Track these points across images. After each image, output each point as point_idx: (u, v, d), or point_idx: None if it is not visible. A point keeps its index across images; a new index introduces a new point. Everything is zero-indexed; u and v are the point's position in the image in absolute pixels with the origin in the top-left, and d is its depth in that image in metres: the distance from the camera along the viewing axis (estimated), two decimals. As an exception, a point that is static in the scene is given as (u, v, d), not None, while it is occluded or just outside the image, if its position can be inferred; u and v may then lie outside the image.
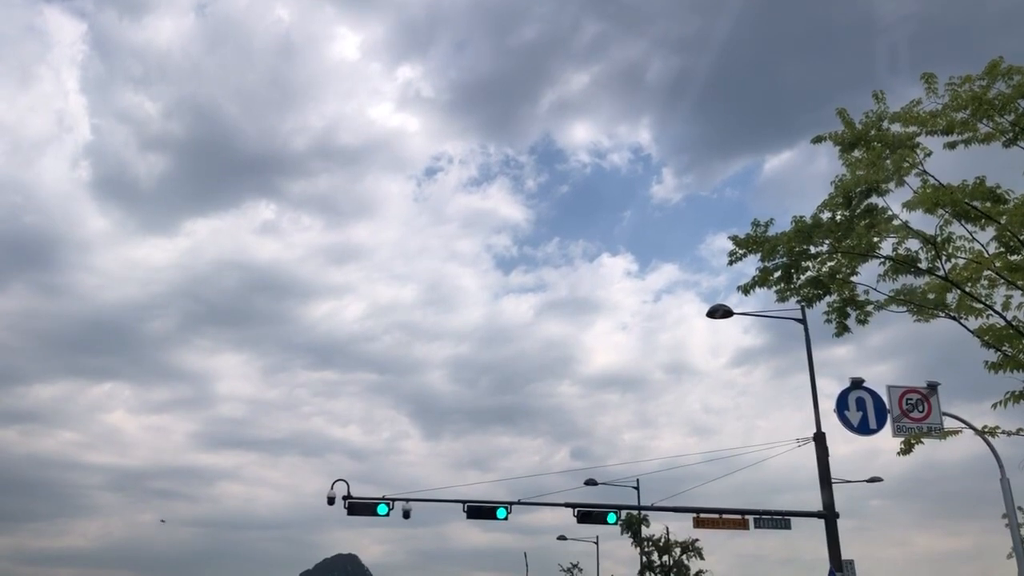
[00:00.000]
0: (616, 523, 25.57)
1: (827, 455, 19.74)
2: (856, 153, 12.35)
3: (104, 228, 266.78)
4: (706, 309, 21.46)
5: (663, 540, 42.52)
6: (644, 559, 41.97)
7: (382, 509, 23.86)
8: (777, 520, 21.70)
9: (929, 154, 11.86)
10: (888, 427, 15.17)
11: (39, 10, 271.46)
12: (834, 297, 13.23)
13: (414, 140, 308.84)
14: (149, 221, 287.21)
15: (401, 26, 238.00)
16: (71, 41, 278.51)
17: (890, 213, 12.11)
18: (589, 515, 24.06)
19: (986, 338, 11.65)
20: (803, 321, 20.71)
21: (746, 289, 13.59)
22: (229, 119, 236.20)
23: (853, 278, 12.96)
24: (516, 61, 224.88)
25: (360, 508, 24.09)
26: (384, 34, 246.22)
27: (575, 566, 51.54)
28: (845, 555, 19.73)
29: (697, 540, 42.67)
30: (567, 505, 23.68)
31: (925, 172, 11.79)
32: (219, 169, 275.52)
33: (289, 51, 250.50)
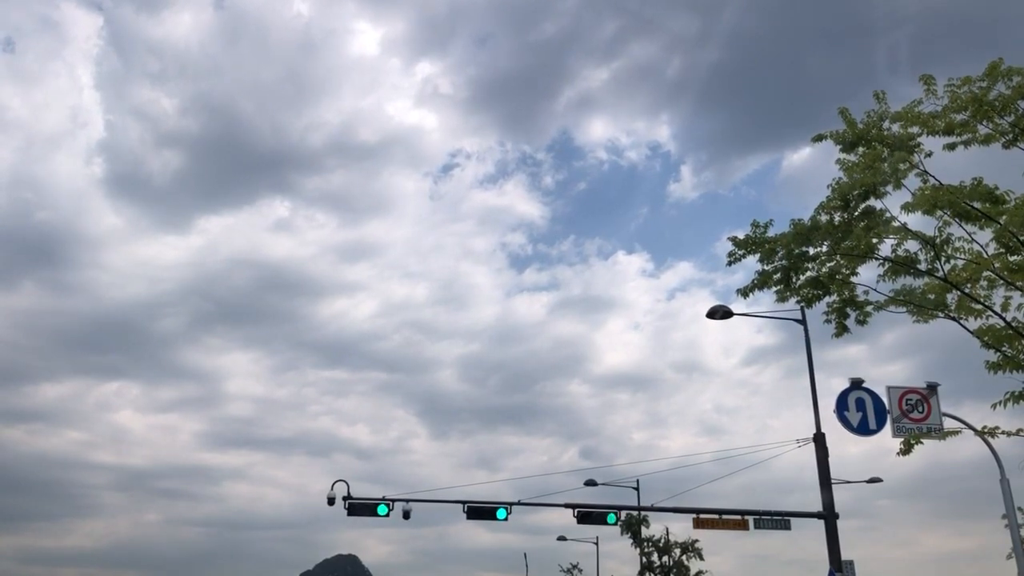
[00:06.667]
0: (616, 524, 25.56)
1: (827, 456, 19.73)
2: (853, 156, 12.35)
3: (116, 225, 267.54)
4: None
5: (663, 541, 42.53)
6: (644, 560, 41.98)
7: (382, 509, 23.86)
8: (777, 521, 21.71)
9: (929, 155, 11.86)
10: (888, 427, 15.20)
11: (55, 4, 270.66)
12: (834, 298, 13.22)
13: (431, 137, 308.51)
14: (162, 218, 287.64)
15: (422, 22, 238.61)
16: (87, 36, 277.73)
17: (888, 215, 12.11)
18: (589, 516, 24.04)
19: (986, 339, 11.64)
20: (803, 322, 20.72)
21: (745, 292, 13.56)
22: (245, 115, 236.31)
23: (853, 278, 12.95)
24: (535, 57, 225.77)
25: (360, 509, 24.09)
26: (404, 30, 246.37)
27: (575, 567, 51.54)
28: (851, 555, 19.79)
29: (697, 541, 42.74)
30: (567, 506, 23.67)
31: (925, 173, 11.79)
32: (234, 166, 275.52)
33: (308, 47, 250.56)
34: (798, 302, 13.85)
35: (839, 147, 12.63)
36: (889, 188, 11.87)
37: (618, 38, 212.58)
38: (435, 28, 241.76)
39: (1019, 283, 11.27)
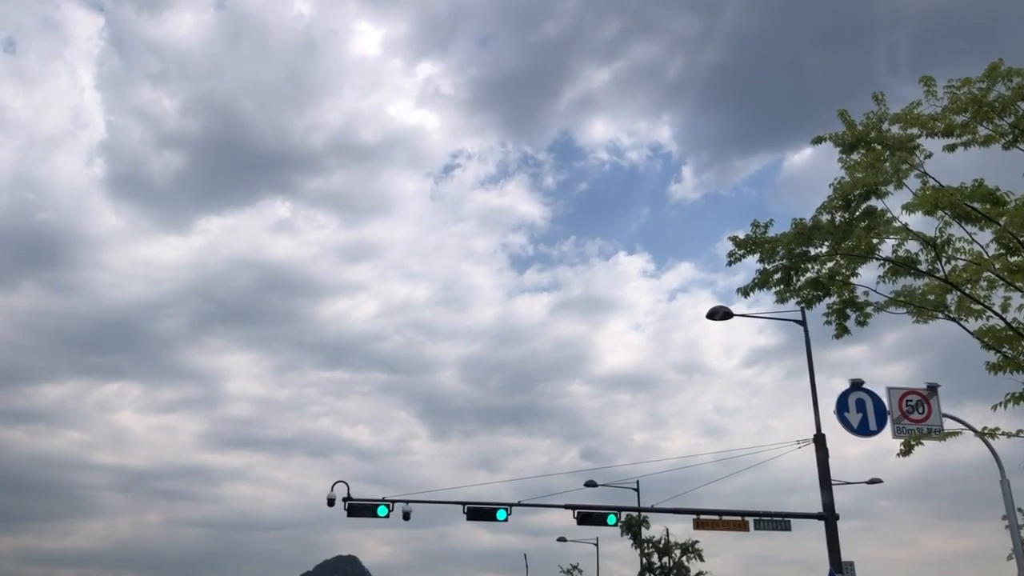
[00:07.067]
0: (616, 524, 25.57)
1: (827, 457, 19.74)
2: (855, 156, 12.36)
3: (117, 226, 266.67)
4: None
5: (663, 541, 42.53)
6: (644, 560, 41.97)
7: (382, 511, 23.86)
8: (777, 522, 21.71)
9: (929, 156, 11.87)
10: (888, 428, 15.20)
11: (56, 4, 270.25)
12: (834, 299, 13.22)
13: (432, 137, 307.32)
14: (163, 219, 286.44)
15: (423, 22, 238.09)
16: (88, 36, 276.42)
17: (889, 215, 12.11)
18: (589, 517, 24.05)
19: (986, 340, 11.64)
20: (803, 323, 20.72)
21: (746, 291, 13.58)
22: (246, 116, 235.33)
23: (853, 279, 12.96)
24: (537, 58, 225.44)
25: (360, 509, 24.09)
26: (406, 30, 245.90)
27: (575, 567, 51.56)
28: (851, 556, 19.80)
29: (697, 542, 42.75)
30: (567, 507, 23.67)
31: (925, 174, 11.80)
32: (235, 166, 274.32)
33: (309, 47, 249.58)
34: (798, 303, 13.86)
35: (839, 149, 12.64)
36: (891, 188, 11.88)
37: (619, 39, 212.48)
38: (436, 28, 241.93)
39: (1019, 284, 11.27)
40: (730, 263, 13.73)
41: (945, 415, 14.95)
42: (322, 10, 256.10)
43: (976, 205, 11.29)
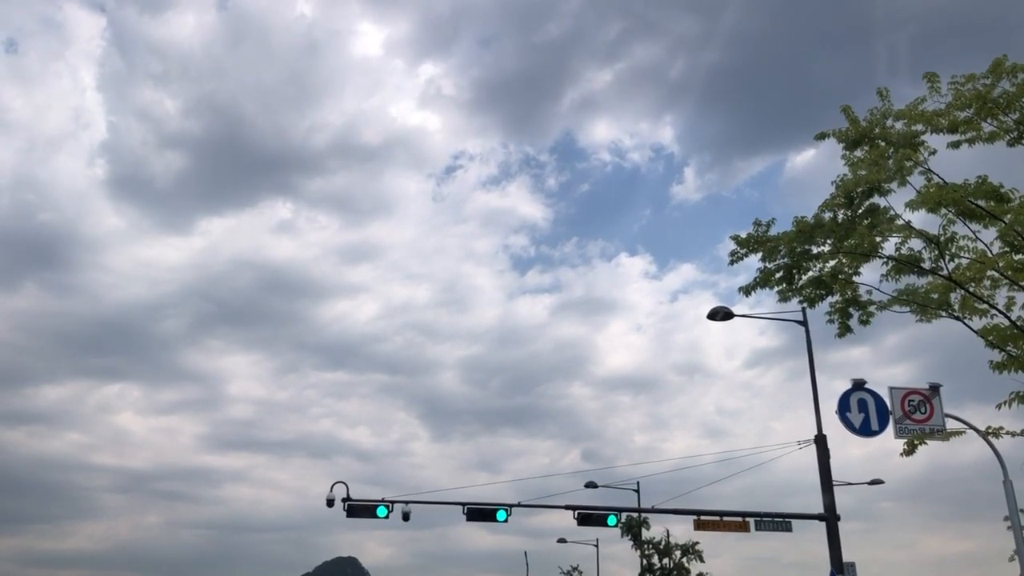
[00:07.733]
0: (616, 525, 25.46)
1: (828, 457, 19.64)
2: (859, 152, 12.27)
3: (118, 227, 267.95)
4: (723, 310, 21.25)
5: (663, 543, 42.38)
6: (644, 562, 41.83)
7: (381, 511, 23.73)
8: (778, 523, 21.61)
9: (933, 152, 11.77)
10: (890, 429, 15.10)
11: (58, 5, 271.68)
12: (836, 297, 13.14)
13: (434, 138, 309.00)
14: (164, 220, 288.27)
15: (426, 23, 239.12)
16: (89, 37, 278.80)
17: (892, 213, 12.02)
18: (589, 517, 23.95)
19: (990, 338, 11.55)
20: (804, 323, 20.62)
21: (747, 290, 13.51)
22: (248, 117, 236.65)
23: (855, 278, 12.87)
24: (539, 59, 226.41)
25: (359, 510, 23.96)
26: (408, 31, 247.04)
27: (575, 568, 51.45)
28: (852, 557, 19.71)
29: (698, 543, 42.57)
30: (568, 507, 23.55)
31: (929, 171, 11.70)
32: (237, 167, 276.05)
33: (311, 48, 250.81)
34: (800, 302, 13.79)
35: (842, 145, 12.56)
36: (894, 185, 11.78)
37: (621, 40, 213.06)
38: (439, 29, 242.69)
39: (1023, 282, 11.17)
40: (732, 262, 13.66)
41: (947, 415, 14.85)
42: (324, 11, 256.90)
43: (980, 202, 11.20)
